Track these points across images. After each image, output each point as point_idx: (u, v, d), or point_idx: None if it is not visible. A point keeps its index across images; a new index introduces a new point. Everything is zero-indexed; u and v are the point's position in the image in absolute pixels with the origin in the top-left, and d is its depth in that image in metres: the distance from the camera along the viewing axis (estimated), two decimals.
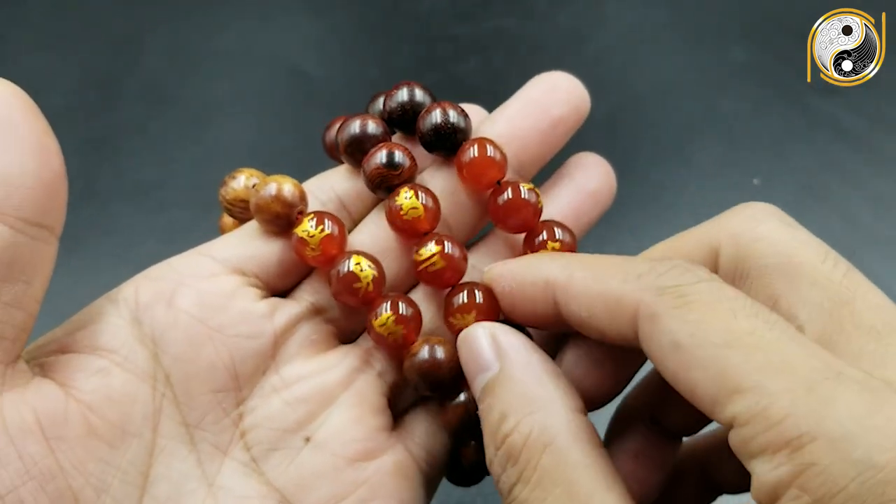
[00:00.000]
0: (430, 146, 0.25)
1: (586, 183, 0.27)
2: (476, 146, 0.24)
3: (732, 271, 0.21)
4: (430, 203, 0.24)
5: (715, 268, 0.21)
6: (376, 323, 0.23)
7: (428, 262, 0.23)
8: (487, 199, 0.25)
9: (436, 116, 0.24)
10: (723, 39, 0.54)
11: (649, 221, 0.44)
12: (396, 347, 0.24)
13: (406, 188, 0.24)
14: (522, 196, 0.24)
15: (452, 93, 0.51)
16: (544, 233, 0.24)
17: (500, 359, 0.21)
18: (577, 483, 0.18)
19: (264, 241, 0.24)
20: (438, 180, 0.25)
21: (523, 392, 0.20)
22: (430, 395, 0.24)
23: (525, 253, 0.25)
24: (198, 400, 0.22)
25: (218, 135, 0.50)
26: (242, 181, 0.25)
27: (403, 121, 0.25)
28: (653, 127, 0.50)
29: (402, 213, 0.23)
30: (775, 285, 0.20)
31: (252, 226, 0.25)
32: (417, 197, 0.23)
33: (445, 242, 0.23)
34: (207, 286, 0.23)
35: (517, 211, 0.24)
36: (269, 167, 0.48)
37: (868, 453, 0.15)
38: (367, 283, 0.23)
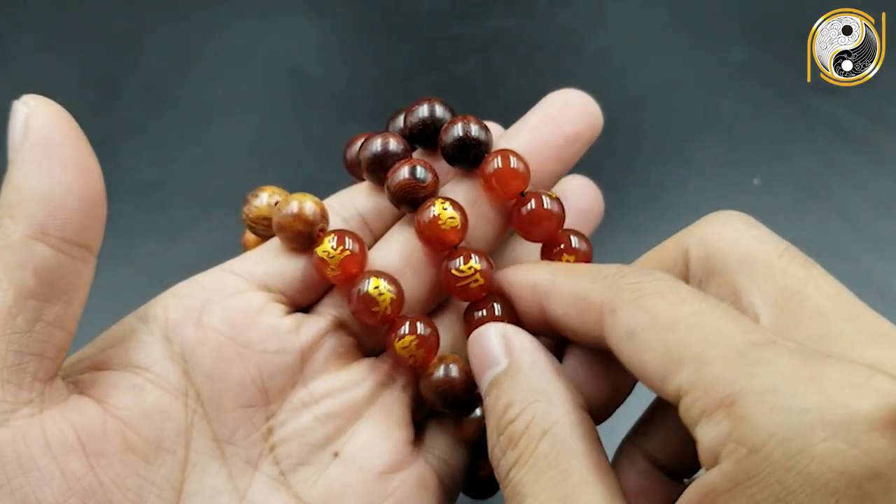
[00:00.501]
0: (452, 159, 0.25)
1: (578, 203, 0.28)
2: (500, 157, 0.24)
3: (700, 272, 0.22)
4: (463, 216, 0.24)
5: (686, 271, 0.22)
6: (398, 345, 0.24)
7: (470, 279, 0.24)
8: (511, 209, 0.25)
9: (458, 130, 0.25)
10: (723, 39, 0.54)
11: (649, 221, 0.44)
12: (416, 368, 0.24)
13: (440, 199, 0.24)
14: (546, 206, 0.25)
15: (452, 93, 0.51)
16: (562, 244, 0.25)
17: (508, 355, 0.22)
18: (571, 470, 0.19)
19: (287, 258, 0.25)
20: (460, 193, 0.26)
21: (529, 385, 0.21)
22: (448, 412, 0.25)
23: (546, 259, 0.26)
24: (228, 415, 0.23)
25: (218, 135, 0.50)
26: (265, 199, 0.26)
27: (424, 136, 0.26)
28: (653, 127, 0.50)
29: (440, 223, 0.24)
30: (736, 280, 0.21)
31: (275, 242, 0.25)
32: (455, 208, 0.24)
33: (481, 259, 0.24)
34: (234, 303, 0.24)
35: (541, 221, 0.25)
36: (269, 167, 0.48)
37: (794, 401, 0.16)
38: (385, 307, 0.23)
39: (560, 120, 0.26)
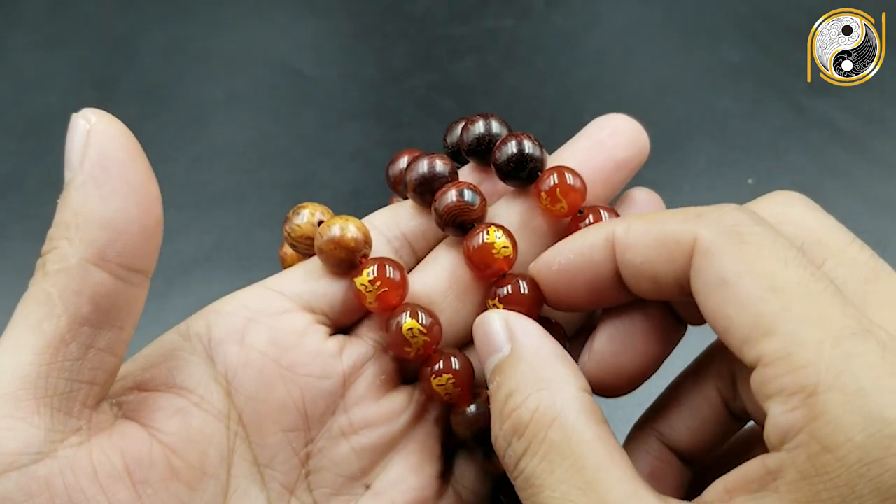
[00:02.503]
0: (506, 176, 0.25)
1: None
2: (556, 174, 0.24)
3: None
4: (514, 243, 0.24)
5: None
6: (434, 382, 0.23)
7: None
8: (568, 225, 0.25)
9: (512, 146, 0.24)
10: (717, 40, 0.54)
11: None
12: (448, 404, 0.24)
13: (493, 227, 0.24)
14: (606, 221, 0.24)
15: (448, 92, 0.52)
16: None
17: (511, 341, 0.21)
18: (585, 456, 0.19)
19: (330, 279, 0.24)
20: (512, 211, 0.25)
21: (532, 371, 0.20)
22: (479, 446, 0.25)
23: None
24: (269, 439, 0.22)
25: (214, 135, 0.50)
26: (306, 217, 0.25)
27: (479, 152, 0.25)
28: (648, 127, 0.50)
29: (493, 251, 0.23)
30: None
31: (318, 262, 0.25)
32: (507, 236, 0.24)
33: (529, 287, 0.24)
34: (279, 323, 0.23)
35: None
36: (265, 166, 0.48)
37: (879, 409, 0.16)
38: (418, 348, 0.23)
39: (610, 145, 0.26)
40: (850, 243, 0.20)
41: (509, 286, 0.24)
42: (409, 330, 0.23)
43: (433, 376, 0.23)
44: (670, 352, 0.23)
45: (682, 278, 0.20)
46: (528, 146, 0.24)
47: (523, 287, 0.24)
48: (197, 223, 0.45)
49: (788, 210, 0.21)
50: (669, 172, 0.48)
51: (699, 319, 0.22)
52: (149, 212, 0.20)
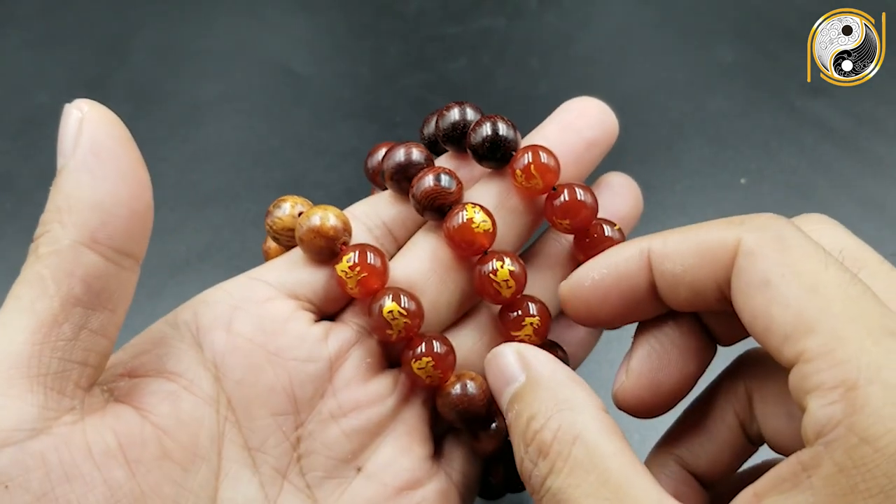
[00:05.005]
0: (481, 158, 0.25)
1: (619, 200, 0.28)
2: (530, 153, 0.25)
3: None
4: (492, 220, 0.25)
5: None
6: (415, 365, 0.24)
7: (503, 286, 0.24)
8: (544, 203, 0.26)
9: (486, 129, 0.25)
10: (711, 39, 0.55)
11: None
12: (432, 386, 0.25)
13: (470, 204, 0.24)
14: (579, 197, 0.25)
15: (441, 92, 0.51)
16: (595, 234, 0.26)
17: (525, 370, 0.22)
18: (610, 469, 0.19)
19: (313, 268, 0.25)
20: (488, 192, 0.26)
21: (551, 395, 0.21)
22: (465, 428, 0.25)
23: (578, 250, 0.26)
24: (258, 423, 0.23)
25: (207, 134, 0.50)
26: (287, 209, 0.25)
27: (456, 138, 0.26)
28: (641, 126, 0.50)
29: (473, 226, 0.24)
30: None
31: (299, 252, 0.25)
32: (485, 213, 0.24)
33: (514, 261, 0.24)
34: (264, 310, 0.24)
35: (577, 211, 0.25)
36: (258, 165, 0.48)
37: None
38: (399, 330, 0.24)
39: (578, 126, 0.27)
40: (881, 262, 0.21)
41: (519, 310, 0.25)
42: (389, 312, 0.23)
43: (413, 360, 0.24)
44: (704, 371, 0.24)
45: (722, 282, 0.20)
46: (503, 128, 0.25)
47: (532, 309, 0.25)
48: (190, 222, 0.45)
49: (822, 228, 0.22)
50: (662, 172, 0.48)
51: (730, 338, 0.23)
52: (138, 196, 0.20)
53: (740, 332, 0.22)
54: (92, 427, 0.20)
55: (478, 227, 0.24)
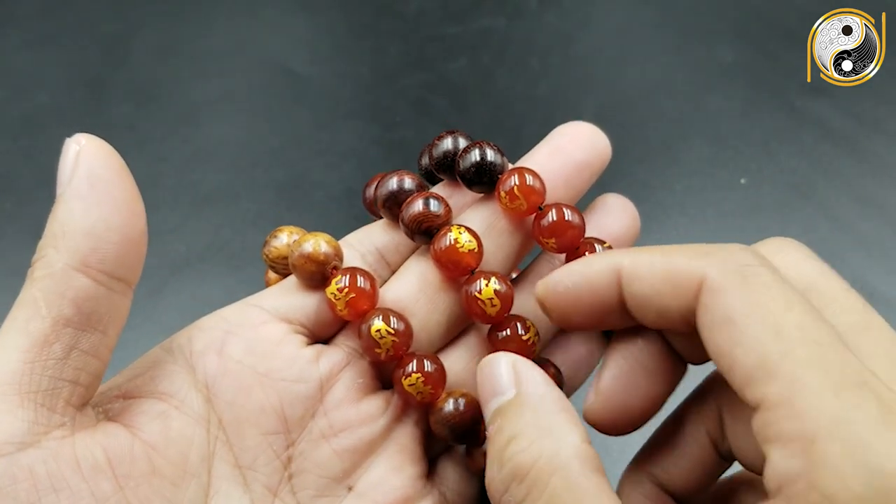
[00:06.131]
0: (470, 183, 0.26)
1: (616, 220, 0.28)
2: (516, 175, 0.25)
3: None
4: (478, 241, 0.25)
5: None
6: (405, 382, 0.24)
7: (487, 304, 0.25)
8: (532, 224, 0.26)
9: (474, 155, 0.26)
10: (710, 39, 0.55)
11: None
12: (423, 404, 0.25)
13: (455, 226, 0.25)
14: (566, 217, 0.25)
15: (441, 92, 0.52)
16: (586, 253, 0.26)
17: (516, 385, 0.22)
18: None
19: (306, 293, 0.25)
20: (478, 216, 0.26)
21: (536, 419, 0.21)
22: (458, 444, 0.25)
23: None
24: (249, 442, 0.23)
25: (207, 134, 0.50)
26: (284, 239, 0.26)
27: (447, 166, 0.27)
28: (640, 126, 0.50)
29: (458, 245, 0.25)
30: None
31: (293, 279, 0.26)
32: (471, 234, 0.25)
33: (500, 281, 0.25)
34: (256, 334, 0.24)
35: (564, 231, 0.25)
36: (257, 165, 0.48)
37: (879, 461, 0.16)
38: (387, 349, 0.24)
39: (569, 149, 0.27)
40: (846, 291, 0.21)
41: (508, 330, 0.25)
42: (377, 331, 0.24)
43: (403, 377, 0.24)
44: (673, 391, 0.24)
45: (688, 314, 0.20)
46: (490, 154, 0.26)
47: (520, 328, 0.25)
48: (189, 222, 0.45)
49: (782, 256, 0.21)
50: (662, 172, 0.48)
51: (700, 358, 0.23)
52: (132, 224, 0.21)
53: None
54: (81, 442, 0.20)
55: (463, 247, 0.25)
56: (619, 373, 0.23)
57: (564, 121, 0.27)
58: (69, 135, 0.21)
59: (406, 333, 0.24)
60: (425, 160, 0.28)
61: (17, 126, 0.50)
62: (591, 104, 0.51)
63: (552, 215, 0.25)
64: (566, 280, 0.23)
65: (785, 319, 0.18)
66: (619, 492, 0.25)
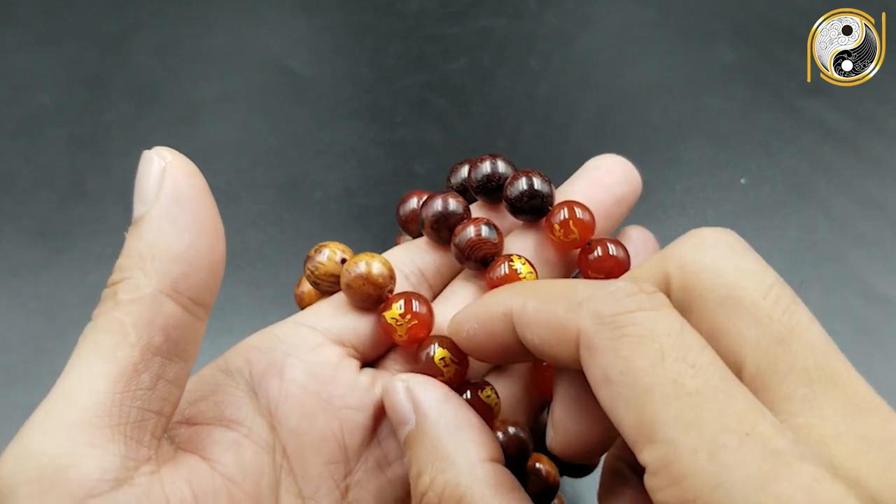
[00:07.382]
0: (517, 211, 0.27)
1: (638, 252, 0.28)
2: (566, 208, 0.26)
3: (680, 302, 0.21)
4: (536, 273, 0.26)
5: (668, 295, 0.21)
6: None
7: None
8: (579, 257, 0.27)
9: (523, 183, 0.26)
10: (711, 39, 0.55)
11: (636, 220, 0.44)
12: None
13: (516, 256, 0.25)
14: (612, 252, 0.26)
15: (441, 92, 0.52)
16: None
17: (415, 411, 0.22)
18: None
19: (357, 314, 0.25)
20: (525, 243, 0.27)
21: (434, 448, 0.21)
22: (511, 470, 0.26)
23: None
24: (312, 471, 0.23)
25: (207, 134, 0.50)
26: (327, 255, 0.26)
27: (489, 190, 0.27)
28: (640, 126, 0.50)
29: (520, 276, 0.25)
30: (717, 320, 0.20)
31: (341, 297, 0.25)
32: (530, 265, 0.25)
33: None
34: (315, 357, 0.24)
35: (609, 267, 0.26)
36: (257, 166, 0.48)
37: None
38: (450, 377, 0.24)
39: (607, 182, 0.28)
40: (766, 295, 0.19)
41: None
42: (441, 359, 0.24)
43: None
44: None
45: (576, 365, 0.19)
46: (538, 182, 0.26)
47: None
48: None
49: (704, 255, 0.21)
50: (662, 172, 0.48)
51: None
52: (216, 249, 0.21)
53: None
54: (168, 478, 0.20)
55: (525, 277, 0.25)
56: (569, 402, 0.22)
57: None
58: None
59: (465, 360, 0.24)
60: (457, 178, 0.28)
61: (17, 126, 0.50)
62: (591, 104, 0.51)
63: (599, 251, 0.26)
64: (466, 326, 0.23)
65: (657, 374, 0.17)
66: (602, 482, 0.25)
